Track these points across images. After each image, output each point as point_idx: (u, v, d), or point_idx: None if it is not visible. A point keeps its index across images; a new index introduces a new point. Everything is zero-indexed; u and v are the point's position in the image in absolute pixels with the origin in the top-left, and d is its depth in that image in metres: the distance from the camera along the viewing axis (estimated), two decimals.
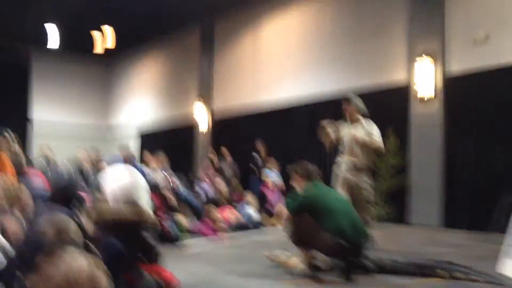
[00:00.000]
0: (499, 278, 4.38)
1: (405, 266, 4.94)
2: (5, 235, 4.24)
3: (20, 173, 7.21)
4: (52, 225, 2.95)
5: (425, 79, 9.48)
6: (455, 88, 9.27)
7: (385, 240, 6.96)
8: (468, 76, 9.09)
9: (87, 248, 2.80)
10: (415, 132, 9.93)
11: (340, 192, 6.09)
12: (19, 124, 16.35)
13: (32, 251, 2.34)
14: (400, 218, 10.07)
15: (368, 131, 6.32)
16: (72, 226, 2.99)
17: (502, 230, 4.82)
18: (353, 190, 6.28)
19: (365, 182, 6.34)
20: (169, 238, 6.53)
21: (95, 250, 2.87)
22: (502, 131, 8.51)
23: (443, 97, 9.41)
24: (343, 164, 6.42)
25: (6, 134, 7.24)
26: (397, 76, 10.28)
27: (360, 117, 6.43)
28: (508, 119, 8.37)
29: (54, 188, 3.87)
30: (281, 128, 12.83)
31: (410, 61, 9.82)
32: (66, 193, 3.76)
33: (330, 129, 6.43)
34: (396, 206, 10.09)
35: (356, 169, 6.32)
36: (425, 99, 9.53)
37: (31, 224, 3.38)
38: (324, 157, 8.10)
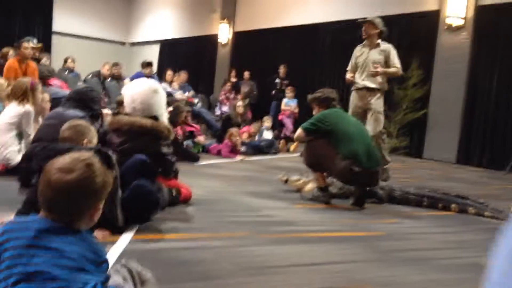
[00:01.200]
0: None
1: (418, 198, 4.98)
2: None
3: (44, 82, 7.32)
4: (70, 129, 3.00)
5: (456, 7, 9.17)
6: (486, 19, 8.97)
7: (400, 172, 7.00)
8: (499, 7, 8.78)
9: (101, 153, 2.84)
10: (440, 64, 9.73)
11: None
12: (43, 36, 16.33)
13: (47, 152, 2.39)
14: (417, 152, 10.08)
15: (386, 55, 6.15)
16: (90, 131, 3.05)
17: None
18: (366, 114, 6.23)
19: (378, 105, 6.20)
20: (187, 156, 6.63)
21: (111, 155, 2.91)
22: None
23: (473, 27, 9.14)
24: (358, 90, 6.32)
25: (33, 43, 7.26)
26: (427, 3, 9.94)
27: (379, 41, 6.23)
28: None
29: (74, 96, 3.89)
30: (304, 47, 12.65)
31: None
32: (86, 100, 3.79)
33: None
34: (413, 139, 10.06)
35: (370, 93, 6.21)
36: (455, 28, 9.25)
37: (48, 126, 3.45)
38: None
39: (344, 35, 11.16)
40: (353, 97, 6.37)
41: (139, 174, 3.18)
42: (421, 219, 4.45)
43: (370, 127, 5.98)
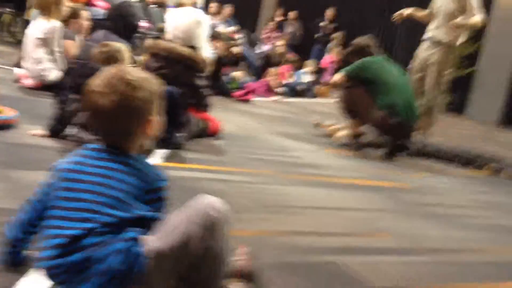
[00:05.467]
0: None
1: (450, 155, 4.87)
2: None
3: (88, 2, 7.30)
4: (102, 53, 3.00)
5: None
6: None
7: (439, 130, 6.84)
8: None
9: None
10: (496, 21, 9.27)
11: (414, 73, 5.44)
12: None
13: (83, 70, 2.40)
14: (458, 109, 9.81)
15: (462, 2, 5.10)
16: (126, 54, 3.04)
17: None
18: (427, 68, 5.37)
19: (440, 61, 5.32)
20: (223, 91, 6.61)
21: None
22: None
23: None
24: (424, 41, 5.51)
25: None
26: None
27: None
28: None
29: (113, 13, 3.86)
30: None
31: None
32: (126, 22, 3.76)
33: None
34: (457, 96, 9.78)
35: (438, 45, 5.33)
36: None
37: (86, 47, 3.46)
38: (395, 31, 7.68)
39: None
40: (419, 49, 5.57)
41: (169, 105, 3.18)
42: (452, 177, 4.36)
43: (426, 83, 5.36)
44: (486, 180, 4.46)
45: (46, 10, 4.41)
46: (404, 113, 4.37)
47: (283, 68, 8.83)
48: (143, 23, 8.88)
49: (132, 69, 1.53)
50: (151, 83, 1.49)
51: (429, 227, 2.79)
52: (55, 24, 4.40)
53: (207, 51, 4.15)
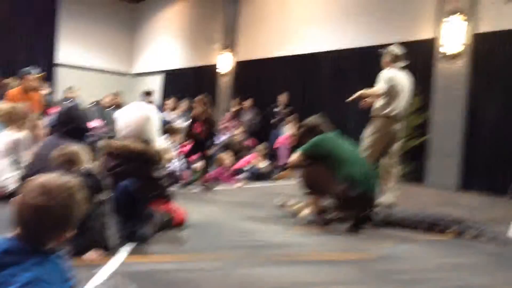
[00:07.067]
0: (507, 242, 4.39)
1: (414, 222, 4.95)
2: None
3: (44, 111, 7.40)
4: (60, 157, 3.03)
5: (453, 36, 9.26)
6: (483, 47, 9.04)
7: (400, 199, 6.96)
8: (497, 34, 8.85)
9: (92, 177, 2.87)
10: (439, 91, 9.76)
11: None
12: (45, 68, 16.48)
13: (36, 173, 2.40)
14: (417, 178, 10.03)
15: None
16: (81, 156, 3.07)
17: None
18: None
19: (369, 132, 6.03)
20: (182, 181, 6.65)
21: (100, 179, 2.94)
22: None
23: (470, 55, 9.20)
24: None
25: (35, 74, 7.25)
26: (424, 33, 10.04)
27: (387, 68, 6.06)
28: None
29: (62, 116, 3.90)
30: (305, 75, 12.77)
31: (439, 18, 9.57)
32: (75, 124, 3.80)
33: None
34: (414, 165, 10.03)
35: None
36: (452, 56, 9.32)
37: (42, 150, 3.47)
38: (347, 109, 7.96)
39: (343, 63, 11.28)
40: None
41: (127, 199, 3.21)
42: (417, 243, 4.41)
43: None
44: (450, 243, 4.52)
45: (13, 123, 4.48)
46: (363, 184, 4.48)
47: (252, 156, 8.95)
48: (97, 124, 9.00)
49: (79, 185, 1.62)
50: (84, 207, 1.62)
51: None
52: (19, 135, 4.46)
53: (160, 142, 4.21)
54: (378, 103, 6.04)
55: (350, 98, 5.93)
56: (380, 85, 5.91)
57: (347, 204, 4.61)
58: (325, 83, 12.11)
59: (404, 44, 10.18)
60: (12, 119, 4.50)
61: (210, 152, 7.52)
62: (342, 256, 3.65)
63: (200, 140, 7.33)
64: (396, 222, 4.98)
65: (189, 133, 7.42)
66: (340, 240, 4.22)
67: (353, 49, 11.06)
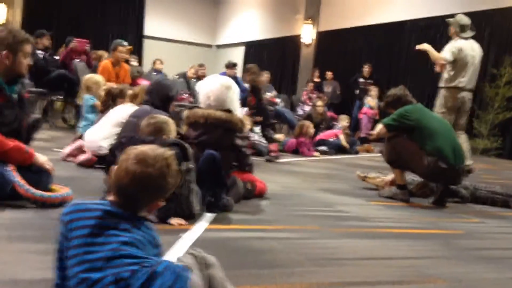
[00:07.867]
0: None
1: (504, 198, 4.74)
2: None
3: (133, 82, 7.71)
4: (149, 126, 3.15)
5: None
6: None
7: (488, 173, 6.68)
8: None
9: (179, 146, 2.96)
10: None
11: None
12: (134, 40, 17.12)
13: (132, 143, 2.52)
14: (509, 153, 9.56)
15: None
16: (168, 126, 3.18)
17: None
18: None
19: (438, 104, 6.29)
20: (263, 152, 6.72)
21: (188, 148, 3.03)
22: None
23: None
24: None
25: (126, 46, 7.54)
26: None
27: (456, 39, 6.15)
28: None
29: (151, 90, 4.02)
30: (389, 46, 12.40)
31: None
32: (161, 95, 3.90)
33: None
34: (506, 140, 9.54)
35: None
36: None
37: (134, 123, 3.61)
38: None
39: (431, 32, 10.81)
40: None
41: (212, 168, 3.29)
42: (506, 219, 4.23)
43: None
44: None
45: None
46: (451, 157, 4.31)
47: (338, 131, 8.87)
48: (184, 96, 9.25)
49: (173, 156, 1.69)
50: (178, 178, 1.70)
51: (486, 271, 2.70)
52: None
53: (241, 114, 4.26)
54: (446, 74, 6.14)
55: (418, 46, 6.15)
56: (444, 54, 6.05)
57: (434, 177, 4.48)
58: (412, 53, 11.69)
59: (499, 10, 9.62)
60: (122, 95, 4.81)
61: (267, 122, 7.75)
62: (425, 230, 3.56)
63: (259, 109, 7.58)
64: (484, 197, 4.78)
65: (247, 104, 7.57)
66: (422, 215, 4.11)
67: (444, 17, 10.55)
